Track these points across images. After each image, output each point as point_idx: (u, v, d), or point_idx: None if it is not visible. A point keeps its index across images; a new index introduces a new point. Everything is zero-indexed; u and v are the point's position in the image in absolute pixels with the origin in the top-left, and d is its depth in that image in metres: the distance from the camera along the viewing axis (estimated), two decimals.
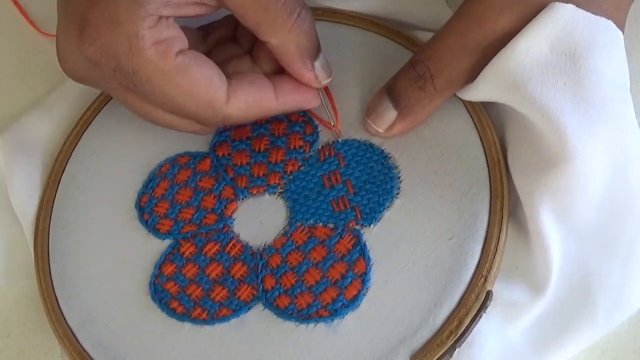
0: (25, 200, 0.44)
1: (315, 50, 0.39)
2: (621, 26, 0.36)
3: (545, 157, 0.36)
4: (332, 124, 0.41)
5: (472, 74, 0.37)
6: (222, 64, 0.38)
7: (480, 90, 0.37)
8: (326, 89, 0.41)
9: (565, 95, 0.34)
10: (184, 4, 0.35)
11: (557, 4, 0.35)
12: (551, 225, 0.36)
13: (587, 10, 0.35)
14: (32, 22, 0.52)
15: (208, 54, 0.39)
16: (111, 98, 0.46)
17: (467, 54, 0.36)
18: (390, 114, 0.39)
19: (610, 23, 0.35)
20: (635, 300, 0.37)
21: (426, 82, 0.38)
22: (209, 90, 0.36)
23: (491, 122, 0.40)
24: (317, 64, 0.39)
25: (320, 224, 0.40)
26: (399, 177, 0.40)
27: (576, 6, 0.35)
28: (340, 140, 0.41)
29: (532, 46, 0.35)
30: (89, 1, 0.34)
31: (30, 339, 0.43)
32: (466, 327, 0.36)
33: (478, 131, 0.40)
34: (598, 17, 0.35)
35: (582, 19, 0.35)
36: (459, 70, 0.37)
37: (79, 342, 0.39)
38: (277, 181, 0.41)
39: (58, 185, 0.44)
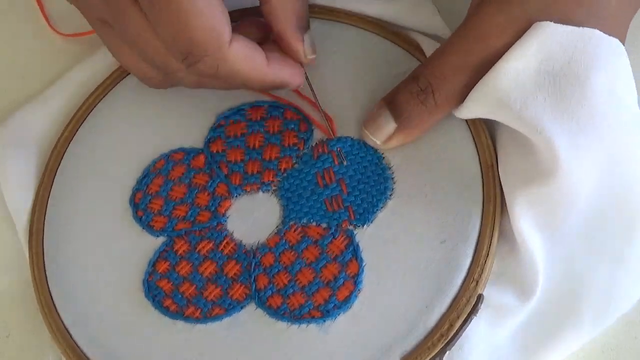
0: (19, 197, 0.44)
1: (306, 25, 0.40)
2: (621, 37, 0.36)
3: (529, 167, 0.36)
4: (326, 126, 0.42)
5: None
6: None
7: (469, 110, 0.37)
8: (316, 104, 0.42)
9: (545, 110, 0.34)
10: None
11: (539, 23, 0.35)
12: (533, 232, 0.36)
13: (584, 25, 0.35)
14: (48, 19, 0.51)
15: None
16: (106, 95, 0.45)
17: (468, 71, 0.36)
18: (389, 126, 0.39)
19: (596, 32, 0.35)
20: (621, 305, 0.38)
21: (427, 97, 0.38)
22: (221, 21, 0.35)
23: (485, 126, 0.40)
24: (307, 37, 0.40)
25: (314, 224, 0.40)
26: (392, 178, 0.40)
27: (568, 22, 0.35)
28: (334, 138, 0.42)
29: (513, 66, 0.35)
30: None
31: (30, 339, 0.43)
32: (457, 330, 0.36)
33: (472, 135, 0.40)
34: (580, 29, 0.35)
35: (560, 35, 0.35)
36: (460, 86, 0.37)
37: (72, 339, 0.40)
38: (271, 179, 0.41)
39: (53, 182, 0.44)
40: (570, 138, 0.34)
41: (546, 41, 0.35)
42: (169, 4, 0.34)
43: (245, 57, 0.37)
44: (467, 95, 0.37)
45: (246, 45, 0.37)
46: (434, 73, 0.38)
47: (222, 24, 0.36)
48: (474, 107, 0.37)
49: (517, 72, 0.35)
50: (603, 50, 0.35)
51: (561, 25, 0.35)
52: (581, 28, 0.35)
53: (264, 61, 0.38)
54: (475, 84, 0.36)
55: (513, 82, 0.35)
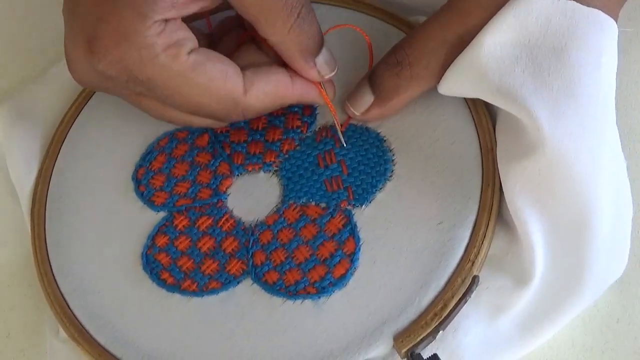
0: (23, 170, 0.44)
1: (317, 48, 0.38)
2: (613, 15, 0.36)
3: (519, 143, 0.36)
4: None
5: None
6: (231, 55, 0.38)
7: (449, 86, 0.38)
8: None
9: (523, 83, 0.35)
10: (189, 1, 0.34)
11: None
12: (530, 213, 0.36)
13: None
14: None
15: (215, 46, 0.39)
16: None
17: (447, 46, 0.37)
18: (367, 98, 0.40)
19: (575, 4, 0.35)
20: (615, 273, 0.38)
21: (403, 69, 0.38)
22: (226, 84, 0.36)
23: (487, 110, 0.40)
24: (320, 59, 0.38)
25: (313, 203, 0.40)
26: (392, 160, 0.40)
27: None
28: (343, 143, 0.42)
29: (490, 40, 0.35)
30: (95, 16, 0.34)
31: (30, 339, 0.43)
32: (451, 310, 0.36)
33: (473, 118, 0.40)
34: (558, 2, 0.35)
35: (537, 7, 0.35)
36: (437, 61, 0.37)
37: (70, 309, 0.40)
38: (272, 159, 0.42)
39: (57, 156, 0.45)
40: (551, 108, 0.34)
41: (522, 14, 0.35)
42: (174, 95, 0.36)
43: (266, 94, 0.37)
44: (445, 71, 0.37)
45: (265, 82, 0.37)
46: (412, 46, 0.38)
47: (230, 84, 0.36)
48: (453, 83, 0.37)
49: (495, 46, 0.35)
50: (583, 23, 0.35)
51: None
52: (560, 0, 0.35)
53: (289, 86, 0.38)
54: (453, 60, 0.37)
55: (491, 56, 0.35)
